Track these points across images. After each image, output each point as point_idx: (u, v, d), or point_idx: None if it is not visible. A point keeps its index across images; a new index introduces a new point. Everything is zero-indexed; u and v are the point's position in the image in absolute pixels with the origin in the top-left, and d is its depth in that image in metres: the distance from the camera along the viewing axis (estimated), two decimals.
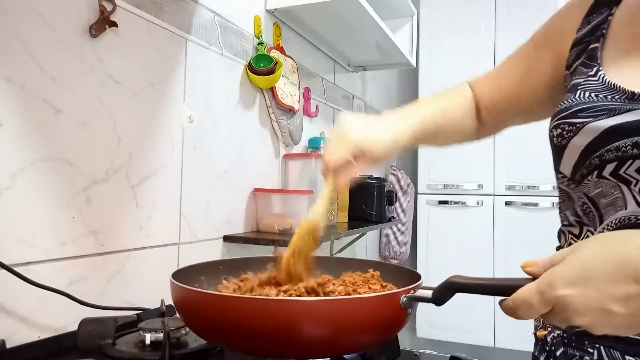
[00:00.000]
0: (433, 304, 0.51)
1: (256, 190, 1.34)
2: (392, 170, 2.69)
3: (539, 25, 0.74)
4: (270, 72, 1.29)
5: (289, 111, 1.48)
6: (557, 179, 0.61)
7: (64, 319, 0.78)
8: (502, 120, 0.79)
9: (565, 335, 0.56)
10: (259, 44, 1.34)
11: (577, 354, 0.54)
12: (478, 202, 2.56)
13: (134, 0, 0.93)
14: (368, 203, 1.86)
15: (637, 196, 0.50)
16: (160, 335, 0.69)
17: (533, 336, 0.63)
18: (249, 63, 1.30)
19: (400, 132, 0.66)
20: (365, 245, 2.39)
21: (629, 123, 0.49)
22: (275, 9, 1.42)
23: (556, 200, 0.65)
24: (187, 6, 1.08)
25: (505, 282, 0.45)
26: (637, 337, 0.50)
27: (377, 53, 1.93)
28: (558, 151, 0.58)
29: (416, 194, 2.70)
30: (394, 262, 2.53)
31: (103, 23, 0.85)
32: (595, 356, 0.52)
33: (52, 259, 0.77)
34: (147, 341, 0.70)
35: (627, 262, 0.38)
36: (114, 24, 0.87)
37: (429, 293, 0.51)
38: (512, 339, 2.33)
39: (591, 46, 0.60)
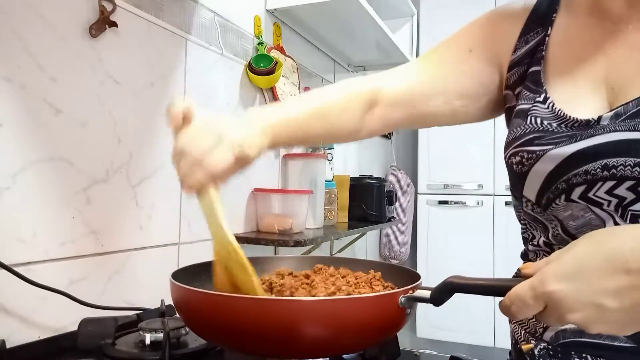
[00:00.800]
0: (431, 304, 0.51)
1: (256, 190, 1.34)
2: (392, 170, 2.69)
3: None
4: (270, 72, 1.29)
5: None
6: (521, 203, 0.60)
7: (64, 319, 0.78)
8: (400, 120, 0.70)
9: (551, 347, 0.55)
10: (259, 44, 1.34)
11: None
12: (478, 202, 2.56)
13: (134, 0, 0.93)
14: (368, 203, 1.86)
15: (615, 216, 0.50)
16: (160, 335, 0.69)
17: (516, 351, 0.63)
18: (249, 63, 1.30)
19: (265, 134, 0.59)
20: (365, 245, 2.39)
21: (593, 147, 0.50)
22: (275, 9, 1.42)
23: None
24: (187, 6, 1.08)
25: (503, 282, 0.44)
26: (623, 344, 0.50)
27: (377, 53, 1.93)
28: (519, 177, 0.58)
29: (416, 194, 2.70)
30: (394, 262, 2.53)
31: (103, 23, 0.85)
32: None
33: (52, 259, 0.77)
34: (147, 341, 0.70)
35: (617, 254, 0.38)
36: (114, 24, 0.87)
37: (427, 293, 0.51)
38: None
39: (532, 69, 0.60)
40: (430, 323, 2.55)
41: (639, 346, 0.49)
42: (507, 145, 0.60)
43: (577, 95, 0.55)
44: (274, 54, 1.39)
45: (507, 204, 2.49)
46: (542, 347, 0.56)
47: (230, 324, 0.49)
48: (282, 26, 1.50)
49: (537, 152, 0.54)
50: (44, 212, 0.76)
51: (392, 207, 2.02)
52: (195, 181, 0.55)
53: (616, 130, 0.49)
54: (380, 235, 2.62)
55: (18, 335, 0.71)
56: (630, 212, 0.49)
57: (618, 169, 0.48)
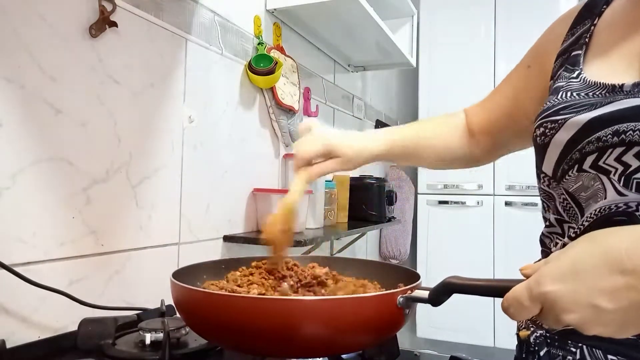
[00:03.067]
0: (430, 305, 0.51)
1: (256, 190, 1.34)
2: (392, 170, 2.69)
3: (538, 26, 0.76)
4: (270, 72, 1.29)
5: (289, 111, 1.48)
6: (540, 181, 0.61)
7: (64, 319, 0.78)
8: (500, 144, 0.79)
9: (548, 335, 0.56)
10: (259, 44, 1.34)
11: (560, 353, 0.54)
12: (478, 202, 2.56)
13: (134, 0, 0.93)
14: (368, 203, 1.86)
15: (617, 185, 0.50)
16: (160, 335, 0.69)
17: (515, 337, 0.63)
18: (249, 63, 1.30)
19: (374, 140, 0.72)
20: (365, 245, 2.39)
21: (608, 113, 0.50)
22: (275, 9, 1.42)
23: None
24: (187, 6, 1.08)
25: (501, 283, 0.44)
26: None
27: (377, 53, 1.93)
28: (541, 150, 0.58)
29: (416, 194, 2.70)
30: (394, 262, 2.53)
31: (103, 23, 0.85)
32: (578, 355, 0.52)
33: (52, 259, 0.77)
34: (147, 341, 0.70)
35: (612, 255, 0.38)
36: (114, 24, 0.87)
37: (425, 294, 0.51)
38: (512, 339, 2.33)
39: (574, 53, 0.62)
40: (430, 323, 2.55)
41: (637, 339, 0.49)
42: (535, 119, 0.60)
43: (610, 69, 0.56)
44: (274, 54, 1.39)
45: (507, 204, 2.49)
46: (538, 334, 0.57)
47: (230, 323, 0.49)
48: (282, 26, 1.50)
49: (560, 121, 0.54)
50: (44, 212, 0.76)
51: (392, 207, 2.02)
52: (294, 164, 0.69)
53: (635, 96, 0.49)
54: (380, 235, 2.62)
55: (18, 335, 0.71)
56: (635, 181, 0.49)
57: (627, 134, 0.48)
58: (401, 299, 0.51)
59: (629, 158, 0.48)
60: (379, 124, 2.54)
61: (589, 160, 0.52)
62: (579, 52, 0.61)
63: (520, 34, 2.42)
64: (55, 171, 0.78)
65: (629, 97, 0.49)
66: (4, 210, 0.70)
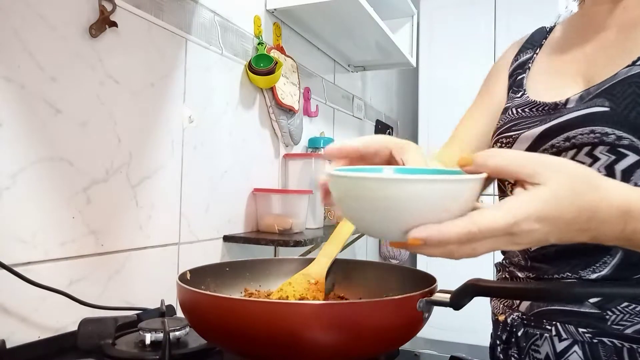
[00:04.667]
0: (451, 308, 0.49)
1: (256, 190, 1.34)
2: None
3: (538, 25, 0.78)
4: (270, 72, 1.29)
5: (289, 111, 1.48)
6: (505, 190, 0.68)
7: (64, 319, 0.78)
8: None
9: (524, 317, 0.60)
10: (259, 44, 1.34)
11: (537, 332, 0.59)
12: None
13: (134, 0, 0.93)
14: None
15: None
16: (160, 335, 0.69)
17: (493, 323, 0.67)
18: (249, 63, 1.30)
19: None
20: (366, 245, 2.39)
21: (558, 124, 0.57)
22: (275, 9, 1.42)
23: None
24: (187, 6, 1.08)
25: (525, 285, 0.43)
26: (588, 310, 0.55)
27: (377, 53, 1.93)
28: None
29: None
30: (394, 262, 2.53)
31: (103, 23, 0.85)
32: (554, 332, 0.57)
33: (52, 259, 0.77)
34: (147, 341, 0.70)
35: (588, 210, 0.40)
36: (114, 24, 0.87)
37: (447, 297, 0.49)
38: None
39: (519, 77, 0.71)
40: (430, 323, 2.53)
41: (601, 312, 0.54)
42: (492, 137, 0.68)
43: (553, 86, 0.64)
44: (274, 54, 1.39)
45: None
46: (515, 316, 0.61)
47: (237, 327, 0.47)
48: (282, 26, 1.50)
49: (513, 136, 0.62)
50: (44, 212, 0.76)
51: None
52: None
53: (578, 110, 0.57)
54: None
55: (18, 335, 0.71)
56: None
57: (577, 138, 0.55)
58: (421, 303, 0.49)
59: (581, 157, 0.56)
60: (379, 124, 2.54)
61: None
62: (523, 75, 0.70)
63: (520, 34, 2.42)
64: (55, 171, 0.78)
65: (572, 112, 0.57)
66: (4, 210, 0.70)
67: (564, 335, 0.56)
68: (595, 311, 0.55)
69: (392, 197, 0.34)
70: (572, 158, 0.56)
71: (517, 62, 0.73)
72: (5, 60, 0.70)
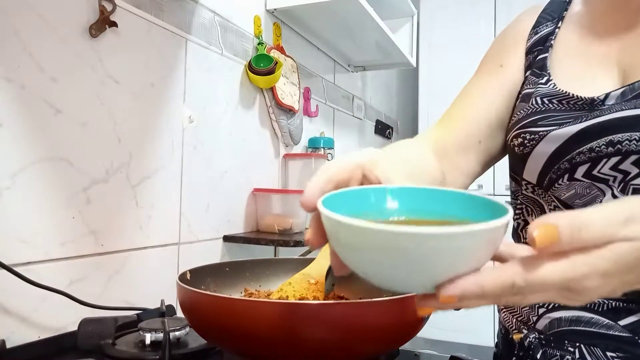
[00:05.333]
0: (453, 309, 0.49)
1: (256, 190, 1.34)
2: None
3: None
4: (270, 72, 1.29)
5: (289, 111, 1.48)
6: (520, 186, 0.60)
7: (64, 319, 0.78)
8: (481, 158, 0.66)
9: (542, 336, 0.55)
10: (259, 44, 1.34)
11: (558, 353, 0.53)
12: None
13: (134, 0, 0.93)
14: None
15: (615, 191, 0.51)
16: (160, 335, 0.69)
17: (506, 341, 0.61)
18: (249, 63, 1.30)
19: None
20: None
21: (601, 123, 0.50)
22: (275, 9, 1.42)
23: None
24: (187, 6, 1.08)
25: None
26: (618, 333, 0.50)
27: (377, 53, 1.92)
28: (519, 159, 0.58)
29: None
30: None
31: (103, 23, 0.85)
32: (577, 355, 0.52)
33: (52, 259, 0.77)
34: (147, 341, 0.70)
35: None
36: (114, 24, 0.87)
37: None
38: None
39: (540, 56, 0.61)
40: (430, 323, 2.54)
41: (633, 336, 0.49)
42: (510, 128, 0.60)
43: (584, 74, 0.55)
44: (274, 54, 1.39)
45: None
46: (533, 336, 0.56)
47: (237, 327, 0.47)
48: (282, 26, 1.50)
49: (540, 133, 0.54)
50: (44, 212, 0.76)
51: None
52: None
53: (622, 109, 0.50)
54: None
55: (18, 335, 0.71)
56: (631, 186, 0.50)
57: (623, 144, 0.49)
58: None
59: (626, 166, 0.49)
60: (379, 124, 2.54)
61: (581, 170, 0.52)
62: (545, 55, 0.60)
63: None
64: (55, 171, 0.78)
65: (614, 111, 0.50)
66: (4, 210, 0.70)
67: (589, 359, 0.51)
68: (627, 335, 0.50)
69: (424, 251, 0.28)
70: (615, 166, 0.50)
71: (537, 36, 0.63)
72: (5, 60, 0.70)
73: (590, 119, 0.51)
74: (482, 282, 0.29)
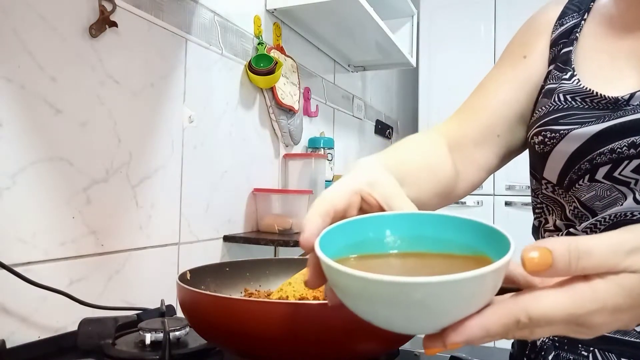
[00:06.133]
0: None
1: (256, 190, 1.34)
2: None
3: None
4: (270, 72, 1.29)
5: (289, 111, 1.48)
6: (541, 186, 0.59)
7: (64, 319, 0.78)
8: (501, 152, 0.63)
9: (556, 338, 0.54)
10: (259, 44, 1.34)
11: (571, 357, 0.53)
12: (478, 202, 2.56)
13: (134, 0, 0.93)
14: None
15: (637, 194, 0.49)
16: (160, 335, 0.69)
17: (519, 341, 0.61)
18: (249, 63, 1.30)
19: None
20: None
21: (620, 125, 0.49)
22: (275, 9, 1.42)
23: None
24: (187, 6, 1.08)
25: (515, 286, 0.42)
26: (634, 339, 0.49)
27: (377, 53, 1.93)
28: (540, 157, 0.57)
29: None
30: None
31: (103, 23, 0.85)
32: (591, 359, 0.51)
33: (52, 259, 0.77)
34: (147, 341, 0.70)
35: None
36: (114, 24, 0.87)
37: None
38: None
39: (564, 50, 0.59)
40: None
41: None
42: (531, 125, 0.58)
43: (610, 71, 0.54)
44: (274, 54, 1.39)
45: (507, 204, 2.49)
46: (545, 339, 0.55)
47: (237, 327, 0.47)
48: (282, 26, 1.50)
49: (561, 131, 0.53)
50: (44, 212, 0.76)
51: None
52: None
53: None
54: None
55: (18, 335, 0.71)
56: None
57: None
58: None
59: None
60: (379, 124, 2.54)
61: (602, 171, 0.51)
62: (570, 48, 0.58)
63: None
64: (55, 171, 0.78)
65: (638, 112, 0.48)
66: (4, 210, 0.70)
67: None
68: None
69: (427, 299, 0.28)
70: (637, 168, 0.48)
71: (563, 28, 0.60)
72: (5, 60, 0.70)
73: (612, 119, 0.49)
74: (487, 324, 0.28)
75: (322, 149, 1.65)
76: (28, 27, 0.73)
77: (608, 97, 0.51)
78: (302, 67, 1.63)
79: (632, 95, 0.49)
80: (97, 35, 0.84)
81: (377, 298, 0.29)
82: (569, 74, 0.56)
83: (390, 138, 2.80)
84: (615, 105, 0.50)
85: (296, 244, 1.18)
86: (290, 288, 0.63)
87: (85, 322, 0.72)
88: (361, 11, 1.47)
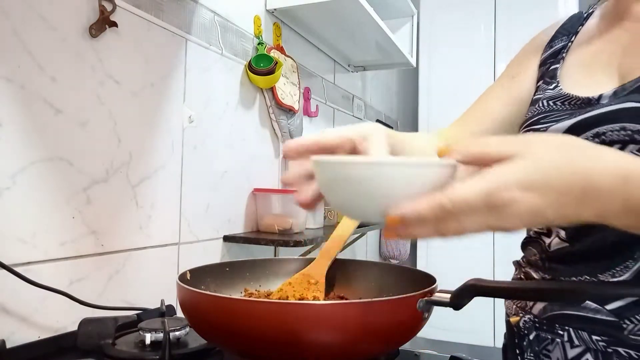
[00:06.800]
0: (451, 308, 0.49)
1: (256, 190, 1.34)
2: None
3: (538, 26, 0.77)
4: (270, 72, 1.29)
5: (289, 111, 1.48)
6: None
7: (64, 319, 0.78)
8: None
9: (536, 319, 0.58)
10: (259, 44, 1.34)
11: (549, 337, 0.56)
12: None
13: (134, 0, 0.93)
14: None
15: None
16: (160, 335, 0.69)
17: (506, 324, 0.65)
18: (249, 63, 1.30)
19: None
20: (365, 245, 2.39)
21: (589, 118, 0.55)
22: (275, 9, 1.42)
23: None
24: (187, 6, 1.08)
25: (525, 285, 0.43)
26: (605, 317, 0.52)
27: (377, 53, 1.93)
28: None
29: None
30: (394, 262, 2.53)
31: (103, 23, 0.85)
32: (566, 338, 0.55)
33: (52, 259, 0.77)
34: (147, 341, 0.70)
35: (581, 176, 0.36)
36: (114, 24, 0.87)
37: (447, 297, 0.49)
38: None
39: (552, 67, 0.66)
40: (430, 323, 2.53)
41: (619, 320, 0.51)
42: (519, 130, 0.65)
43: (589, 80, 0.60)
44: (274, 54, 1.39)
45: None
46: (527, 319, 0.59)
47: (237, 327, 0.47)
48: (282, 26, 1.50)
49: (542, 129, 0.59)
50: (44, 212, 0.76)
51: None
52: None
53: (609, 105, 0.54)
54: (380, 235, 2.62)
55: (18, 335, 0.71)
56: None
57: (607, 135, 0.53)
58: (422, 303, 0.49)
59: None
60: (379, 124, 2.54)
61: None
62: (557, 66, 0.66)
63: (520, 34, 2.42)
64: (55, 171, 0.78)
65: (604, 107, 0.54)
66: (4, 210, 0.70)
67: (577, 342, 0.54)
68: (612, 319, 0.52)
69: (368, 179, 0.37)
70: None
71: (551, 50, 0.69)
72: (5, 60, 0.70)
73: (583, 114, 0.56)
74: (417, 206, 0.35)
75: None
76: (28, 27, 0.73)
77: (582, 97, 0.58)
78: (302, 67, 1.63)
79: (601, 95, 0.56)
80: (97, 35, 0.84)
81: (338, 180, 0.39)
82: (554, 85, 0.64)
83: None
84: (588, 104, 0.57)
85: (296, 244, 1.18)
86: (290, 288, 0.63)
87: (85, 322, 0.72)
88: (361, 11, 1.47)
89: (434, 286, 0.53)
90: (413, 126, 3.08)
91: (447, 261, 2.57)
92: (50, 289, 0.74)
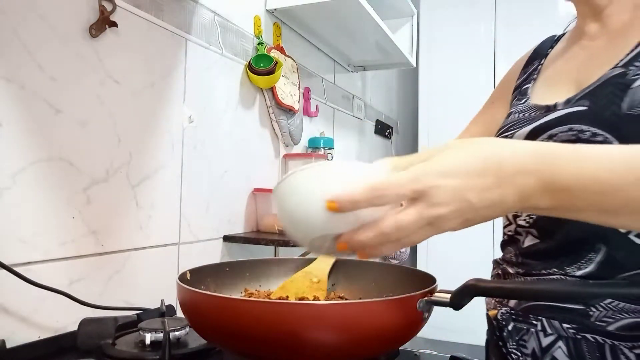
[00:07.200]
0: (451, 308, 0.49)
1: (256, 190, 1.34)
2: None
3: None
4: (270, 72, 1.29)
5: (289, 111, 1.48)
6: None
7: (64, 319, 0.78)
8: None
9: (512, 311, 0.62)
10: (259, 44, 1.34)
11: (524, 327, 0.59)
12: None
13: (134, 0, 0.93)
14: None
15: None
16: (160, 335, 0.69)
17: (486, 318, 0.68)
18: (249, 63, 1.30)
19: None
20: None
21: (544, 123, 0.61)
22: (275, 9, 1.42)
23: None
24: (187, 6, 1.08)
25: (525, 285, 0.44)
26: (572, 305, 0.56)
27: (377, 53, 1.92)
28: None
29: None
30: (394, 262, 2.52)
31: (103, 23, 0.85)
32: (539, 327, 0.58)
33: (52, 259, 0.77)
34: (147, 341, 0.70)
35: (493, 159, 0.42)
36: (114, 24, 0.87)
37: (447, 297, 0.49)
38: None
39: (524, 87, 0.74)
40: (430, 323, 2.53)
41: (585, 308, 0.55)
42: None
43: (551, 93, 0.67)
44: (274, 54, 1.39)
45: None
46: (504, 311, 0.62)
47: (237, 327, 0.47)
48: (282, 26, 1.50)
49: (509, 136, 0.66)
50: (44, 212, 0.76)
51: None
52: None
53: (561, 110, 0.61)
54: None
55: (18, 335, 0.71)
56: None
57: (558, 136, 0.59)
58: (421, 303, 0.50)
59: None
60: (379, 124, 2.54)
61: None
62: (528, 85, 0.74)
63: (520, 34, 2.42)
64: (55, 171, 0.78)
65: (559, 111, 0.61)
66: (4, 210, 0.70)
67: (549, 331, 0.57)
68: (580, 307, 0.55)
69: (292, 190, 0.45)
70: None
71: (525, 75, 0.77)
72: (5, 60, 0.70)
73: (540, 120, 0.62)
74: (352, 190, 0.42)
75: (322, 149, 1.65)
76: (28, 27, 0.73)
77: (543, 105, 0.66)
78: (302, 67, 1.63)
79: (556, 103, 0.63)
80: (97, 35, 0.84)
81: (283, 196, 0.46)
82: (524, 100, 0.71)
83: (390, 138, 2.80)
84: (547, 111, 0.64)
85: (296, 244, 1.18)
86: (293, 285, 0.63)
87: (85, 322, 0.73)
88: (361, 11, 1.47)
89: (434, 286, 0.53)
90: (413, 126, 3.08)
91: (447, 261, 2.57)
92: (51, 289, 0.74)
